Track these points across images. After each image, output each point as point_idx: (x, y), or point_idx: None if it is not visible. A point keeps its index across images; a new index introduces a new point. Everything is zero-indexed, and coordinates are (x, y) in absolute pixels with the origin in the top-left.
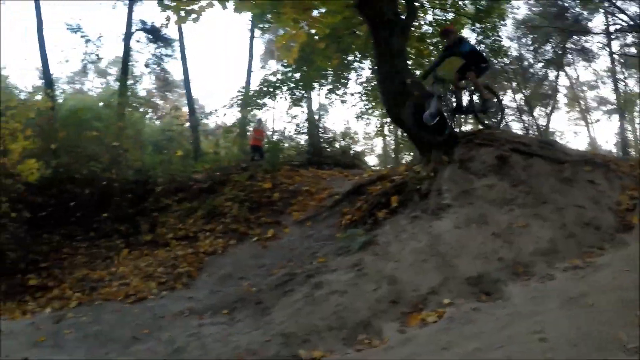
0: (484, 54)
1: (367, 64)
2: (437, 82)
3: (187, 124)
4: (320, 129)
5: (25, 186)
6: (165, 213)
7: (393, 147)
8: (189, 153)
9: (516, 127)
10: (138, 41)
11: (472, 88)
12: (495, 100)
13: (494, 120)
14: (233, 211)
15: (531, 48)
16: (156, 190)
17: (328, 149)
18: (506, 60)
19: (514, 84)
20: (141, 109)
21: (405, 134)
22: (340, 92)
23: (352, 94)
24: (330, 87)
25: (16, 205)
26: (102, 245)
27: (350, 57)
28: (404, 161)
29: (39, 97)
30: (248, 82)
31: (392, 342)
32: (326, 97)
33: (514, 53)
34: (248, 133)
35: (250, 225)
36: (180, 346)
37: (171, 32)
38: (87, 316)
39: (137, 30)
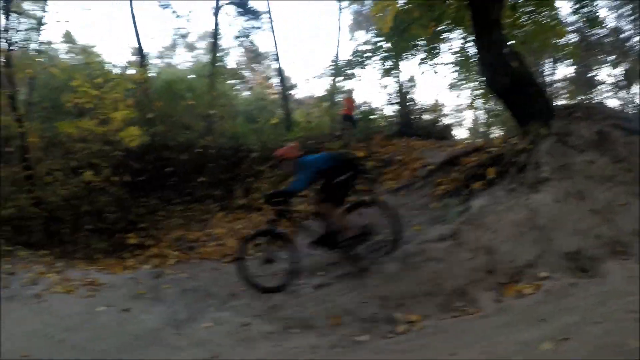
0: (353, 157)
1: (458, 33)
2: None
3: (277, 95)
4: (410, 100)
5: (124, 152)
6: (259, 179)
7: (483, 120)
8: (281, 122)
9: (613, 104)
10: (227, 14)
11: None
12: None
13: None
14: None
15: (631, 18)
16: (250, 157)
17: (418, 120)
18: (603, 32)
19: (611, 58)
20: (231, 81)
21: (500, 106)
22: (431, 62)
23: (444, 64)
24: (423, 57)
25: (117, 170)
26: (197, 208)
27: (442, 27)
28: (492, 135)
29: (132, 71)
30: (337, 53)
31: (488, 311)
32: (418, 67)
33: (612, 24)
34: (339, 103)
35: None
36: (277, 303)
37: (259, 4)
38: (185, 273)
39: (226, 3)
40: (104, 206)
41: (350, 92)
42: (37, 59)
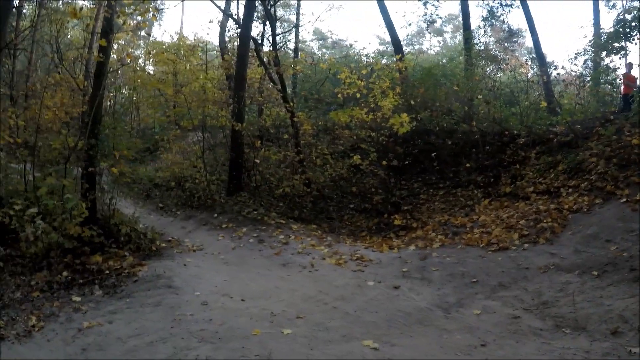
0: None
1: None
2: None
3: (536, 75)
4: None
5: (390, 138)
6: (524, 166)
7: None
8: (543, 105)
9: None
10: None
11: None
12: None
13: None
14: (599, 168)
15: None
16: (515, 142)
17: None
18: None
19: None
20: (487, 63)
21: None
22: None
23: None
24: None
25: (382, 155)
26: (460, 194)
27: None
28: None
29: (383, 60)
30: (597, 24)
31: None
32: None
33: None
34: (619, 80)
35: (618, 185)
36: (547, 300)
37: None
38: (450, 257)
39: None
40: (369, 188)
41: (629, 66)
42: (301, 57)
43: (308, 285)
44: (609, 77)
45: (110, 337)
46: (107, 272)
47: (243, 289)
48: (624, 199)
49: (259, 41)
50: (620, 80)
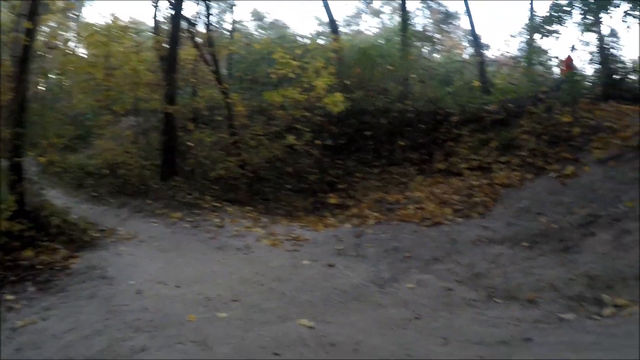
0: None
1: None
2: None
3: (471, 56)
4: (614, 59)
5: (324, 118)
6: (458, 143)
7: None
8: (477, 85)
9: None
10: None
11: None
12: None
13: None
14: (530, 144)
15: None
16: (449, 120)
17: (624, 82)
18: None
19: None
20: (423, 44)
21: None
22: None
23: None
24: (628, 8)
25: (317, 135)
26: (395, 171)
27: None
28: None
29: (321, 41)
30: (532, 8)
31: None
32: (622, 21)
33: None
34: (539, 62)
35: (547, 160)
36: (480, 271)
37: None
38: (385, 234)
39: None
40: (304, 168)
41: (571, 48)
42: (235, 37)
43: (244, 267)
44: (541, 59)
45: (45, 334)
46: (40, 267)
47: (178, 275)
48: (554, 174)
49: (194, 21)
50: (556, 61)
